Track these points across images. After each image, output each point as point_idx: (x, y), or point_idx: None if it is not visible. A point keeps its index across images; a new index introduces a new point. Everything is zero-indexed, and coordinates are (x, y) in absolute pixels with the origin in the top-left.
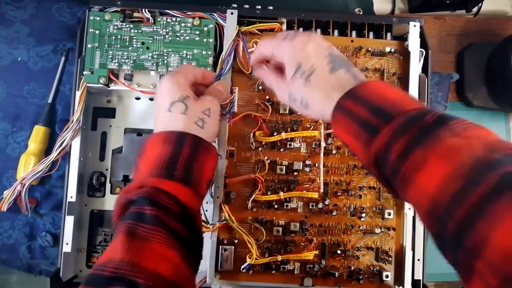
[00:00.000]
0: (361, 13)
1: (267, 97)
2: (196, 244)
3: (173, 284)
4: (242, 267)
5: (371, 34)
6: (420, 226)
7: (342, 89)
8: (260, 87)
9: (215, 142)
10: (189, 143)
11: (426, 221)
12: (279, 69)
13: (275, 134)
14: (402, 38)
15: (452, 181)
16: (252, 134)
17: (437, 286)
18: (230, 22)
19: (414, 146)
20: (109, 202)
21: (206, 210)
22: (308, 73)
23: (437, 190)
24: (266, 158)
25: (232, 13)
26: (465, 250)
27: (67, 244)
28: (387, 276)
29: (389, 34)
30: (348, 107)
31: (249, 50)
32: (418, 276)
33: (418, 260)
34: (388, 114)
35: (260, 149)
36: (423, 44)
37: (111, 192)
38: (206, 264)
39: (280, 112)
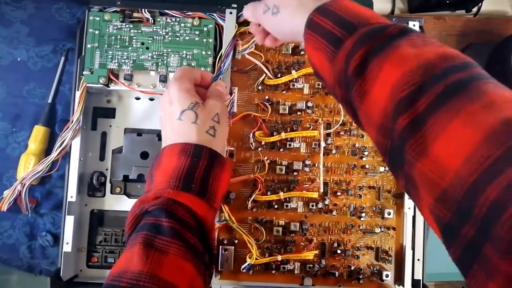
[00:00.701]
0: None
1: (267, 97)
2: (209, 258)
3: None
4: (242, 267)
5: None
6: (420, 226)
7: (316, 3)
8: (260, 87)
9: None
10: (206, 157)
11: (376, 138)
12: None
13: (274, 134)
14: None
15: (400, 87)
16: (251, 134)
17: (437, 286)
18: (229, 21)
19: (371, 57)
20: (109, 202)
21: None
22: None
23: (386, 100)
24: (265, 158)
25: (231, 13)
26: (406, 162)
27: (67, 243)
28: (387, 276)
29: None
30: (317, 21)
31: (247, 51)
32: (418, 276)
33: (418, 260)
34: (353, 26)
35: (259, 149)
36: None
37: (111, 192)
38: None
39: (280, 112)
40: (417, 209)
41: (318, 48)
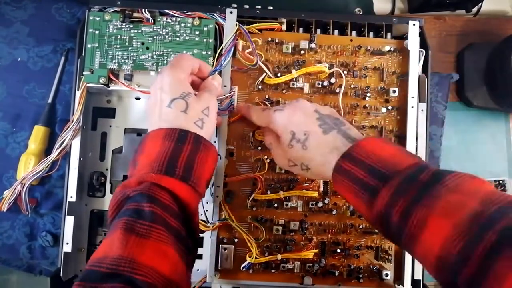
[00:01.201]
0: (361, 13)
1: (267, 96)
2: (192, 243)
3: (170, 281)
4: (242, 266)
5: (371, 34)
6: None
7: (338, 150)
8: (260, 86)
9: (215, 142)
10: (190, 141)
11: (436, 275)
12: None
13: None
14: (402, 38)
15: (454, 240)
16: (251, 133)
17: (437, 286)
18: (230, 21)
19: (413, 206)
20: (109, 202)
21: (206, 210)
22: (303, 139)
23: (441, 250)
24: (265, 157)
25: (231, 12)
26: None
27: (67, 244)
28: (386, 275)
29: (389, 34)
30: (346, 168)
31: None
32: (418, 276)
33: None
34: (385, 175)
35: (259, 148)
36: (423, 44)
37: (111, 192)
38: (206, 263)
39: None
40: None
41: (350, 191)
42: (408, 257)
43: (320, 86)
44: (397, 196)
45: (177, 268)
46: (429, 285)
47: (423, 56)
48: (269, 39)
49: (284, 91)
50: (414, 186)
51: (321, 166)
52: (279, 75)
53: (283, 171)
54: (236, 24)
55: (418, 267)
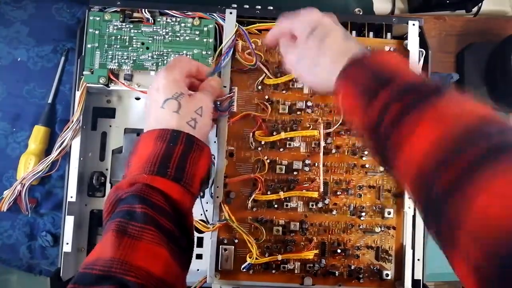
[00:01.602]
0: (361, 13)
1: (266, 97)
2: (186, 243)
3: (164, 282)
4: (242, 266)
5: (371, 34)
6: (420, 225)
7: (352, 55)
8: (260, 87)
9: (214, 142)
10: (182, 141)
11: (413, 191)
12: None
13: (274, 133)
14: (402, 38)
15: (441, 145)
16: (251, 134)
17: (437, 286)
18: (229, 21)
19: (407, 111)
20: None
21: (206, 210)
22: (323, 35)
23: (424, 156)
24: (265, 157)
25: (231, 13)
26: (447, 219)
27: (67, 244)
28: (387, 275)
29: (389, 34)
30: (352, 73)
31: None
32: (418, 276)
33: (418, 260)
34: (388, 79)
35: (259, 148)
36: (423, 44)
37: None
38: (206, 264)
39: (280, 111)
40: (418, 211)
41: (350, 95)
42: (408, 257)
43: None
44: (395, 99)
45: (170, 269)
46: (429, 285)
47: (423, 56)
48: None
49: (284, 92)
50: (414, 93)
51: (330, 64)
52: (278, 75)
53: (284, 172)
54: (236, 25)
55: (418, 267)
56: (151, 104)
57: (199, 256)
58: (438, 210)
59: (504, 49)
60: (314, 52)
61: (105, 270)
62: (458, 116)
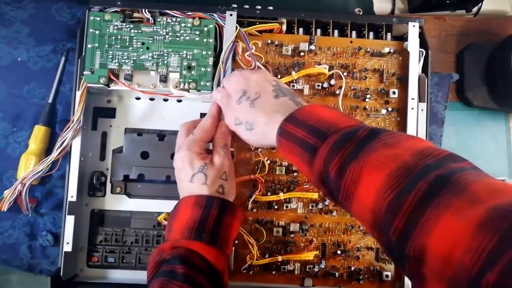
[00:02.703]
0: (361, 13)
1: None
2: None
3: None
4: (243, 267)
5: (371, 34)
6: None
7: (283, 113)
8: None
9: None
10: (216, 207)
11: (373, 234)
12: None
13: None
14: (402, 38)
15: (385, 191)
16: None
17: None
18: (230, 23)
19: (348, 162)
20: (110, 202)
21: None
22: (253, 98)
23: (374, 202)
24: (265, 159)
25: (231, 15)
26: (409, 259)
27: (67, 243)
28: (387, 276)
29: (389, 34)
30: (288, 130)
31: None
32: None
33: None
34: (324, 133)
35: (259, 150)
36: (423, 44)
37: (112, 192)
38: None
39: None
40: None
41: (294, 153)
42: None
43: (320, 88)
44: (334, 152)
45: None
46: None
47: (423, 56)
48: (269, 41)
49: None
50: (351, 142)
51: (264, 126)
52: (279, 77)
53: (284, 173)
54: (236, 27)
55: None
56: (180, 177)
57: None
58: (400, 255)
59: (504, 49)
60: (247, 115)
61: None
62: (396, 157)
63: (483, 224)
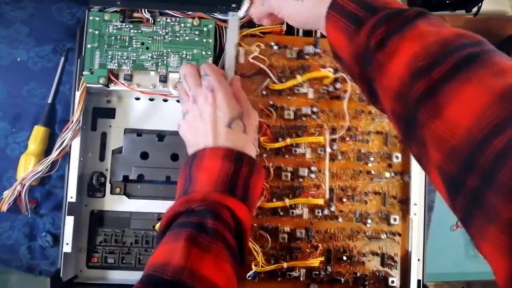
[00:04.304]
0: None
1: (271, 102)
2: (240, 259)
3: None
4: (248, 275)
5: None
6: (420, 226)
7: None
8: (264, 92)
9: None
10: (246, 164)
11: (392, 108)
12: None
13: (279, 140)
14: None
15: (418, 58)
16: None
17: (437, 286)
18: (232, 26)
19: (391, 35)
20: (109, 202)
21: None
22: None
23: (403, 69)
24: (271, 164)
25: (233, 15)
26: (419, 122)
27: (67, 244)
28: (392, 282)
29: None
30: (340, 2)
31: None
32: (418, 276)
33: (418, 260)
34: (375, 8)
35: (264, 155)
36: None
37: (111, 193)
38: None
39: (285, 117)
40: (420, 214)
41: (339, 28)
42: (414, 264)
43: (325, 91)
44: (380, 24)
45: (231, 282)
46: (429, 285)
47: None
48: (273, 44)
49: (288, 97)
50: (398, 18)
51: (318, 2)
52: (283, 80)
53: (289, 179)
54: (238, 26)
55: (419, 267)
56: (206, 120)
57: None
58: (414, 120)
59: (504, 49)
60: None
61: (177, 277)
62: (436, 33)
63: (502, 96)
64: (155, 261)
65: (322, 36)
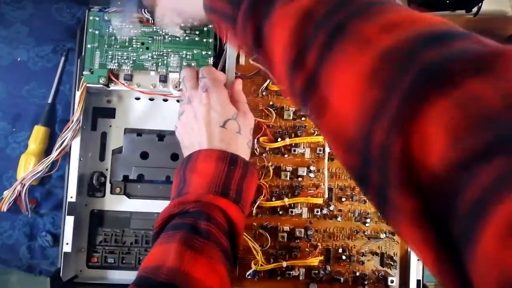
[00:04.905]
0: None
1: (271, 103)
2: (233, 260)
3: None
4: (247, 273)
5: None
6: None
7: None
8: (264, 93)
9: None
10: (240, 166)
11: (291, 98)
12: None
13: (279, 140)
14: None
15: (289, 48)
16: (256, 140)
17: (437, 286)
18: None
19: (263, 24)
20: (109, 202)
21: None
22: None
23: (282, 62)
24: (270, 164)
25: None
26: (313, 120)
27: (67, 244)
28: (392, 281)
29: None
30: (209, 4)
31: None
32: (418, 276)
33: (418, 260)
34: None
35: (264, 155)
36: None
37: (111, 192)
38: None
39: (284, 117)
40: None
41: (225, 29)
42: (413, 264)
43: None
44: (247, 18)
45: (224, 284)
46: (429, 285)
47: None
48: None
49: (288, 97)
50: (258, 3)
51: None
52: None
53: (288, 178)
54: None
55: (419, 267)
56: (201, 122)
57: None
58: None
59: None
60: None
61: (169, 279)
62: (296, 9)
63: (370, 76)
64: (149, 263)
65: None
